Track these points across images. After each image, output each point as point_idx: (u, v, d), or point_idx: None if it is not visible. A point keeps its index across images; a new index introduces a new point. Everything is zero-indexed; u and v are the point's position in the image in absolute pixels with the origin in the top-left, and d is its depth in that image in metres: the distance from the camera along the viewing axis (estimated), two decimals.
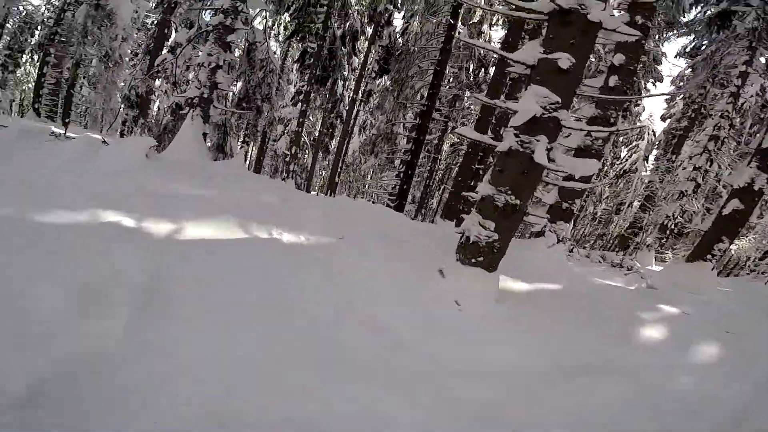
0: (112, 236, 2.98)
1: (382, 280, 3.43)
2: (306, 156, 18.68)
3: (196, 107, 5.76)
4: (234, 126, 7.28)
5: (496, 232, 3.20)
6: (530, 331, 3.39)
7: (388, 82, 12.63)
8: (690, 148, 12.70)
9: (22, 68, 19.39)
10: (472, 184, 9.26)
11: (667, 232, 12.57)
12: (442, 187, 21.65)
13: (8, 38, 14.71)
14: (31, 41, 15.41)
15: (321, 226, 4.63)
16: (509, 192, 3.06)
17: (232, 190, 4.98)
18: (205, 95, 5.76)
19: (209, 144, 6.68)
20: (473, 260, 3.34)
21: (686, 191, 11.89)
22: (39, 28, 14.86)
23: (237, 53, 6.79)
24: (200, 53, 5.72)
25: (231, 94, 6.94)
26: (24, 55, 17.42)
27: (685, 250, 11.37)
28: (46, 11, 14.96)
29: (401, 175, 12.16)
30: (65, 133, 5.36)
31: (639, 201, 16.27)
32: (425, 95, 12.79)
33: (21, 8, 14.36)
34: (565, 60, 2.80)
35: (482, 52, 13.22)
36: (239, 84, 7.24)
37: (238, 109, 7.05)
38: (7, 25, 14.27)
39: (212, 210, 4.07)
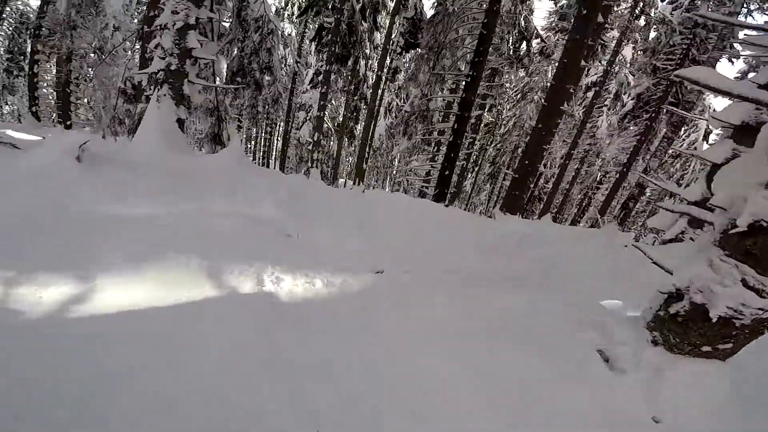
0: None
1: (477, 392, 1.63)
2: (331, 143, 17.14)
3: (162, 84, 4.06)
4: (227, 108, 5.64)
5: None
6: None
7: (422, 50, 10.61)
8: None
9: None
10: (539, 166, 7.21)
11: None
12: (476, 169, 19.87)
13: (7, 41, 13.65)
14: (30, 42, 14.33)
15: (346, 251, 2.88)
16: None
17: (211, 200, 3.28)
18: (173, 67, 4.02)
19: (202, 135, 4.99)
20: (706, 348, 1.46)
21: None
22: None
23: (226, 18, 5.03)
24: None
25: (224, 68, 5.23)
26: (27, 58, 16.46)
27: None
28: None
29: (438, 158, 10.21)
30: None
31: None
32: (464, 66, 10.74)
33: (15, 8, 13.21)
34: None
35: (523, 23, 10.96)
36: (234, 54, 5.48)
37: (232, 84, 5.27)
38: (3, 26, 13.19)
39: (163, 244, 2.38)
